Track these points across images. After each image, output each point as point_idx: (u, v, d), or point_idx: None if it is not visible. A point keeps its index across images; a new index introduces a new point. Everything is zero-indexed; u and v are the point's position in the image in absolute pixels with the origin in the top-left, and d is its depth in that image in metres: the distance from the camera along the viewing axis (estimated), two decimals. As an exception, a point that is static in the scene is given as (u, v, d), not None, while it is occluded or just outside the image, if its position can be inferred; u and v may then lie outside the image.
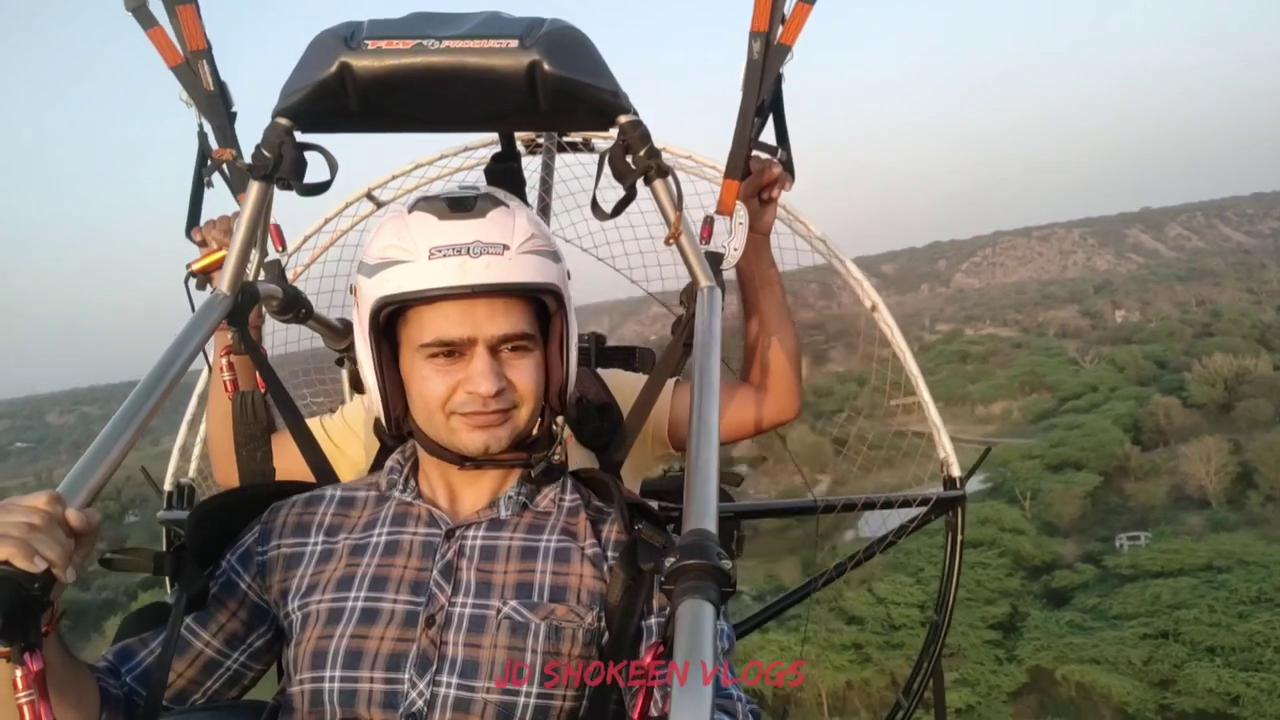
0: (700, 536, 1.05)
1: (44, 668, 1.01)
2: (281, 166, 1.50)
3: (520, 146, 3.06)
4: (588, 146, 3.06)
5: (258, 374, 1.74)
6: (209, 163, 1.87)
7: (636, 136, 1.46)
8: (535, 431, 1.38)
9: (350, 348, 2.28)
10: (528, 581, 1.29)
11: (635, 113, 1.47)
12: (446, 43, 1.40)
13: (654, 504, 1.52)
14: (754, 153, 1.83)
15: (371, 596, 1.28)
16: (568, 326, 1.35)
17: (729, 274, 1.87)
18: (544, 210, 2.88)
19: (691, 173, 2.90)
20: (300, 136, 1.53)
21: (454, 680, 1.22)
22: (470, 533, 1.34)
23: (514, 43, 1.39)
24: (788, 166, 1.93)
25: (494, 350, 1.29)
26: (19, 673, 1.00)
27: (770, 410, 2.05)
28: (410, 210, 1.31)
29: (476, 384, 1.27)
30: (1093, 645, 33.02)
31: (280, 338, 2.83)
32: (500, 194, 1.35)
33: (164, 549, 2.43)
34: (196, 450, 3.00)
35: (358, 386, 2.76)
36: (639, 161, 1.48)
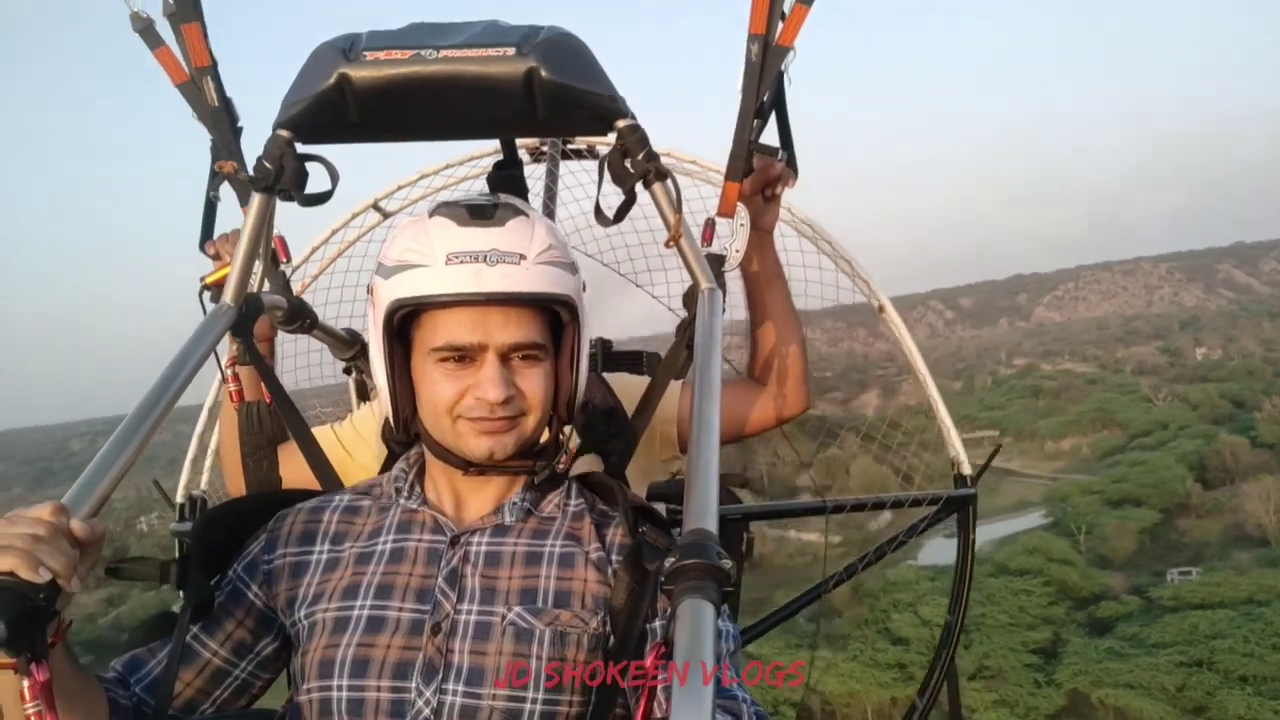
0: (700, 536, 1.05)
1: (50, 678, 1.02)
2: (283, 178, 1.51)
3: (524, 155, 3.07)
4: (592, 154, 3.07)
5: (263, 384, 1.75)
6: (214, 176, 1.89)
7: (634, 140, 1.47)
8: (542, 440, 1.39)
9: (357, 357, 2.30)
10: (532, 587, 1.29)
11: (633, 117, 1.48)
12: (444, 52, 1.41)
13: (661, 507, 1.52)
14: (756, 153, 1.83)
15: (377, 605, 1.29)
16: (579, 338, 1.36)
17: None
18: (549, 217, 2.89)
19: (697, 178, 2.91)
20: (301, 148, 1.55)
21: (460, 688, 1.22)
22: (475, 539, 1.34)
23: (511, 50, 1.40)
24: (791, 165, 1.94)
25: (505, 358, 1.30)
26: (26, 683, 1.01)
27: (780, 406, 2.05)
28: (431, 215, 1.33)
29: (485, 390, 1.27)
30: (1129, 671, 34.00)
31: (290, 349, 2.86)
32: (521, 204, 1.37)
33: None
34: (208, 462, 3.01)
35: (364, 395, 2.78)
36: (637, 165, 1.48)
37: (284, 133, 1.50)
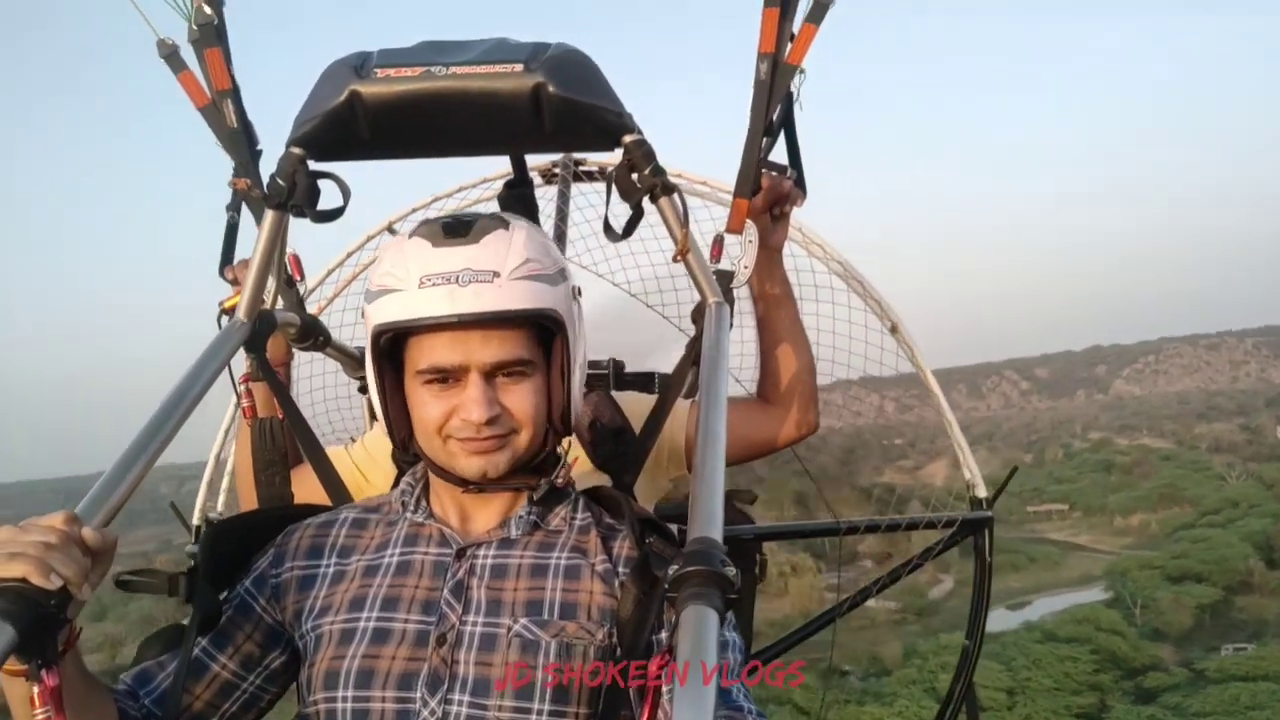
0: (705, 544, 1.05)
1: (59, 684, 1.03)
2: (295, 194, 1.53)
3: (537, 177, 3.10)
4: (604, 175, 3.09)
5: (276, 401, 1.76)
6: (234, 194, 1.92)
7: (640, 155, 1.48)
8: (541, 454, 1.37)
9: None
10: (538, 599, 1.29)
11: (640, 132, 1.49)
12: (453, 69, 1.43)
13: (673, 527, 1.51)
14: (766, 171, 1.85)
15: (383, 617, 1.29)
16: (569, 349, 1.33)
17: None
18: (560, 238, 2.91)
19: (708, 199, 2.92)
20: (314, 165, 1.57)
21: (465, 698, 1.22)
22: (481, 552, 1.34)
23: (519, 66, 1.42)
24: (800, 183, 1.95)
25: (490, 376, 1.28)
26: (36, 689, 1.02)
27: (788, 426, 2.05)
28: (411, 235, 1.32)
29: (469, 411, 1.26)
30: None
31: (306, 370, 2.88)
32: (507, 216, 1.35)
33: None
34: (224, 483, 3.03)
35: (375, 415, 2.79)
36: (644, 180, 1.49)
37: (296, 150, 1.53)
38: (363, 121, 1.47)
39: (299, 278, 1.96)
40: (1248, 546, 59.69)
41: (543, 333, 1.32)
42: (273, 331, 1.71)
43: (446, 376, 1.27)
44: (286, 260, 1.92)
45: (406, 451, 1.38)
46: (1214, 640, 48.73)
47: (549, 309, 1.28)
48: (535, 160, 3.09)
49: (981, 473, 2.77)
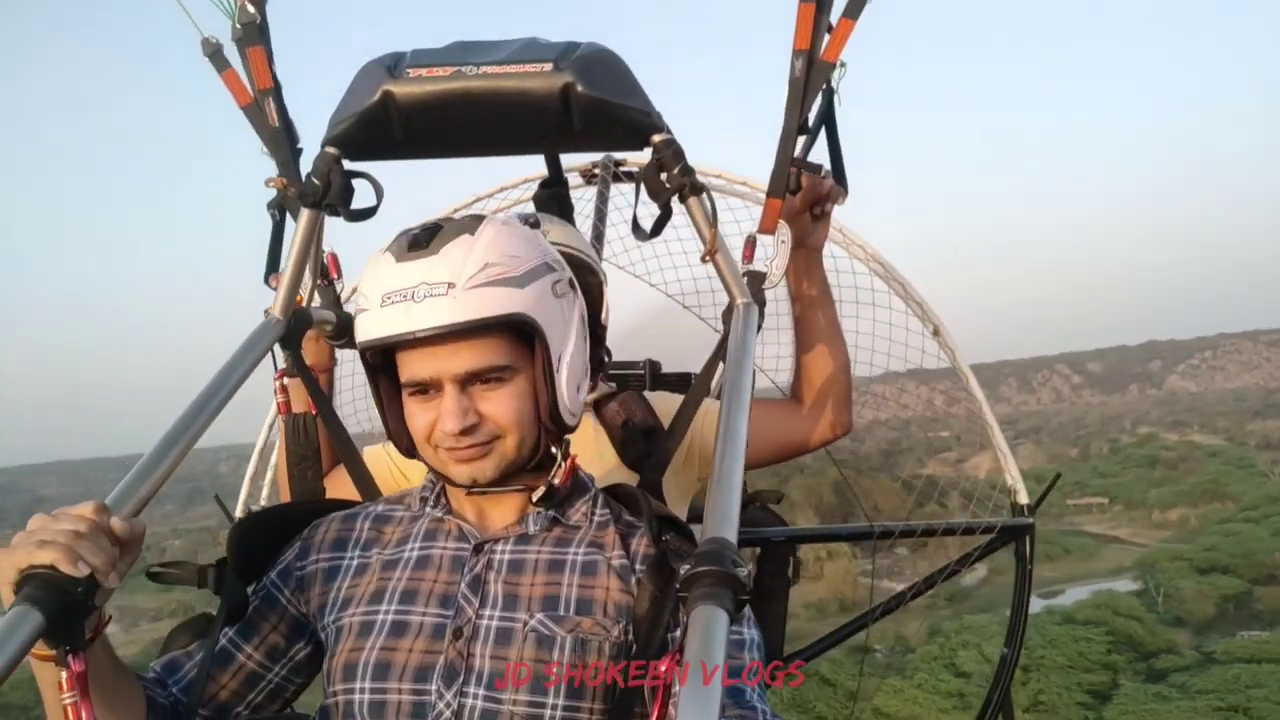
0: (717, 545, 1.04)
1: (86, 670, 1.06)
2: (330, 193, 1.56)
3: (577, 177, 3.11)
4: (643, 176, 3.10)
5: (310, 397, 1.79)
6: (275, 194, 1.94)
7: (670, 155, 1.48)
8: (537, 455, 1.34)
9: None
10: (554, 594, 1.29)
11: (669, 132, 1.49)
12: (484, 69, 1.45)
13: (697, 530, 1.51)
14: (804, 170, 1.82)
15: (401, 610, 1.30)
16: (548, 350, 1.29)
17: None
18: (598, 239, 2.92)
19: (747, 199, 2.91)
20: (349, 165, 1.59)
21: (480, 691, 1.22)
22: (499, 547, 1.34)
23: (548, 66, 1.42)
24: (840, 182, 1.92)
25: (466, 384, 1.27)
26: (64, 674, 1.05)
27: (821, 427, 2.03)
28: (384, 249, 1.30)
29: (444, 423, 1.26)
30: (1169, 713, 35.67)
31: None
32: (478, 219, 1.30)
33: None
34: (268, 477, 3.09)
35: None
36: (673, 179, 1.49)
37: (331, 149, 1.56)
38: (396, 121, 1.49)
39: (336, 276, 1.98)
40: (1278, 541, 58.80)
41: (525, 333, 1.29)
42: (308, 328, 1.73)
43: (427, 388, 1.27)
44: (324, 259, 1.94)
45: (413, 458, 1.39)
46: (1232, 628, 48.61)
47: (513, 313, 1.24)
48: (576, 160, 3.10)
49: (1026, 467, 2.71)
